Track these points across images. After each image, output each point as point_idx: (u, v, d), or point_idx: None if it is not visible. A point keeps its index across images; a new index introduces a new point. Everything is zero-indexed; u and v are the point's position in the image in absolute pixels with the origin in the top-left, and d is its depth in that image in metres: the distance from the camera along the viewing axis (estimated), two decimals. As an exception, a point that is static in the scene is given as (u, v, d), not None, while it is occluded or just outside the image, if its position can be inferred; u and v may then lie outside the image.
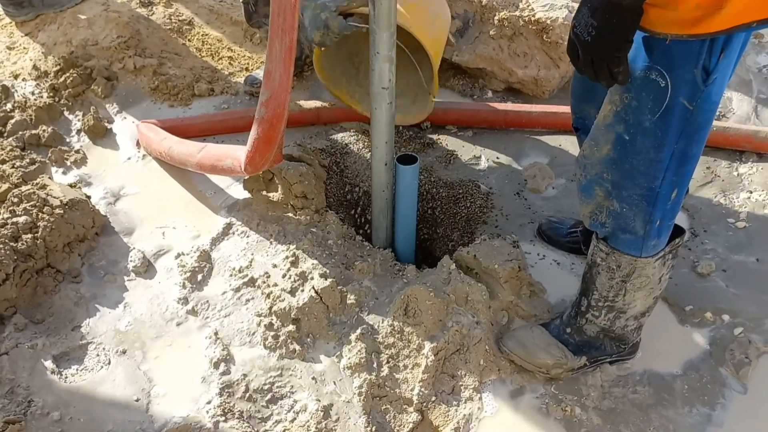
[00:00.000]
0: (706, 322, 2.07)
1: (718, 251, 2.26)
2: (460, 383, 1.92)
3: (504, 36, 2.89)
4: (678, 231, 1.76)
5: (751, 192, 2.46)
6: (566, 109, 2.17)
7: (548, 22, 2.83)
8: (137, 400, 1.91)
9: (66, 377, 1.96)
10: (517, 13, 2.86)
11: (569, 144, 2.65)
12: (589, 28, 1.31)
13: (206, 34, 3.18)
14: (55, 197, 2.25)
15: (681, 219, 2.37)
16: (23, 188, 2.29)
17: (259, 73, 2.91)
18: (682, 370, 1.97)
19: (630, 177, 1.57)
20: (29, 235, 2.16)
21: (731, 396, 1.91)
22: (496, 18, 2.87)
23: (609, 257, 1.74)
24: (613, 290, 1.79)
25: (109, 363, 2.00)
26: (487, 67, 2.94)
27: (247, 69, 3.04)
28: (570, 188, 2.48)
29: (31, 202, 2.22)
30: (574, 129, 2.00)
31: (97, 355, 2.02)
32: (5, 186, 2.33)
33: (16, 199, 2.23)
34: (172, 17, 3.18)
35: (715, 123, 2.63)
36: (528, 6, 2.87)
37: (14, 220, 2.17)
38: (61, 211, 2.22)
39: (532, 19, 2.84)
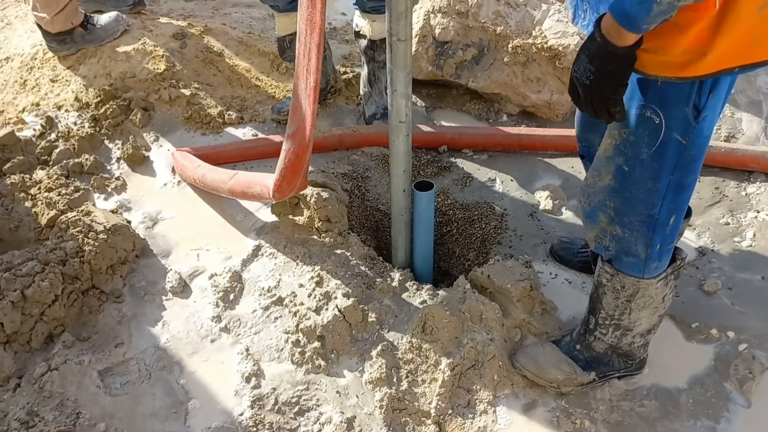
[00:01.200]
0: (712, 339, 2.17)
1: (725, 269, 2.35)
2: (476, 397, 2.04)
3: (518, 63, 3.02)
4: (680, 253, 1.87)
5: (758, 211, 2.54)
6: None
7: (560, 48, 2.95)
8: (175, 412, 2.07)
9: (110, 391, 2.12)
10: (530, 40, 2.99)
11: (581, 166, 2.75)
12: (587, 73, 1.44)
13: (236, 65, 3.36)
14: (98, 223, 2.43)
15: (689, 237, 2.46)
16: (69, 215, 2.47)
17: (285, 103, 3.09)
18: (687, 384, 2.07)
19: (630, 204, 1.68)
20: (76, 259, 2.33)
21: (735, 410, 2.00)
22: (510, 45, 3.00)
23: (614, 278, 1.85)
24: (619, 309, 1.90)
25: (150, 377, 2.15)
26: (502, 92, 3.07)
27: (274, 97, 3.21)
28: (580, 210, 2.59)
29: (77, 228, 2.40)
30: (580, 156, 2.12)
31: (139, 370, 2.18)
32: (53, 213, 2.52)
33: (63, 226, 2.42)
34: (204, 50, 3.37)
35: (723, 144, 2.72)
36: (541, 33, 3.00)
37: (62, 245, 2.35)
38: (105, 236, 2.39)
39: (545, 46, 2.97)
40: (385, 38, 2.87)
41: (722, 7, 1.31)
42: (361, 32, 2.93)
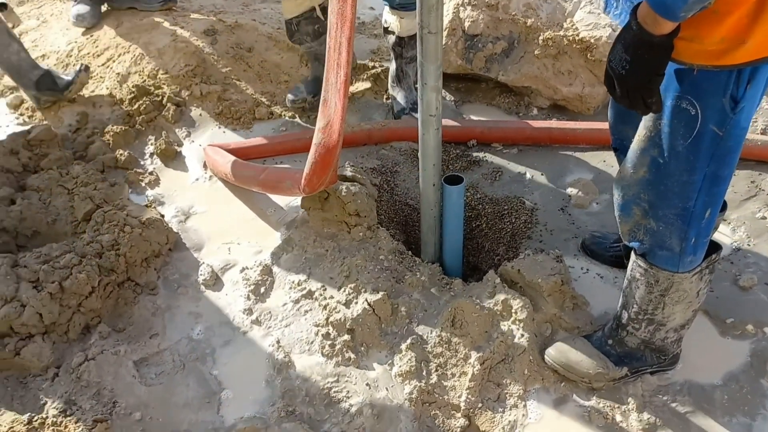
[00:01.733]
0: (748, 335, 2.13)
1: (761, 264, 2.31)
2: (506, 391, 2.04)
3: (549, 55, 3.00)
4: (715, 247, 1.84)
5: (796, 206, 2.49)
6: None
7: (592, 41, 2.92)
8: (208, 402, 2.10)
9: (145, 380, 2.17)
10: (561, 32, 2.96)
11: (613, 160, 2.73)
12: (623, 63, 1.42)
13: (265, 60, 3.39)
14: (134, 217, 2.48)
15: (724, 231, 2.42)
16: (105, 209, 2.52)
17: (298, 89, 3.12)
18: (722, 381, 2.03)
19: (665, 198, 1.66)
20: (112, 252, 2.38)
21: (772, 407, 1.96)
22: (541, 38, 2.98)
23: (647, 273, 1.83)
24: (652, 304, 1.87)
25: (184, 368, 2.19)
26: (533, 85, 3.05)
27: (303, 93, 3.23)
28: (613, 204, 2.56)
29: (113, 222, 2.45)
30: (613, 149, 2.09)
31: (173, 360, 2.22)
32: (89, 206, 2.58)
33: (99, 219, 2.47)
34: (234, 45, 3.40)
35: (760, 137, 2.67)
36: (572, 26, 2.96)
37: (98, 238, 2.41)
38: (140, 230, 2.44)
39: (576, 38, 2.94)
40: (413, 35, 2.88)
41: None
42: (389, 28, 2.93)
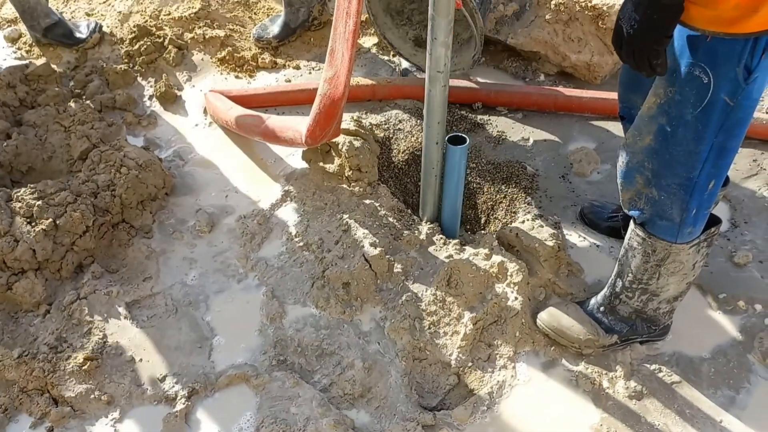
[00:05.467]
0: (739, 310, 2.15)
1: (757, 243, 2.31)
2: (496, 352, 2.06)
3: (559, 21, 2.94)
4: (714, 220, 1.84)
5: (796, 186, 2.48)
6: (614, 95, 2.24)
7: (604, 8, 2.87)
8: (200, 347, 2.11)
9: (137, 322, 2.17)
10: (574, -2, 2.90)
11: (617, 130, 2.71)
12: (632, 22, 1.41)
13: (271, 8, 3.32)
14: (131, 158, 2.45)
15: (722, 209, 2.42)
16: (102, 148, 2.49)
17: (263, 27, 3.12)
18: (710, 354, 2.06)
19: (669, 167, 1.65)
20: (107, 192, 2.36)
21: (756, 381, 1.99)
22: (553, 3, 2.92)
23: (645, 242, 1.82)
24: (648, 273, 1.88)
25: (176, 312, 2.19)
26: (541, 50, 3.00)
27: (308, 42, 3.18)
28: (614, 174, 2.55)
29: (110, 162, 2.42)
30: (620, 117, 2.07)
31: (165, 304, 2.22)
32: (86, 145, 2.54)
33: (96, 158, 2.44)
34: (240, -9, 3.32)
35: (765, 116, 2.65)
36: (585, -9, 2.91)
37: (94, 177, 2.38)
38: (136, 171, 2.41)
39: (589, 5, 2.88)
40: None
41: None
42: None
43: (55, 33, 3.07)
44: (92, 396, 1.98)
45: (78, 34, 3.08)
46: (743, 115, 1.53)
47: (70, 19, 3.20)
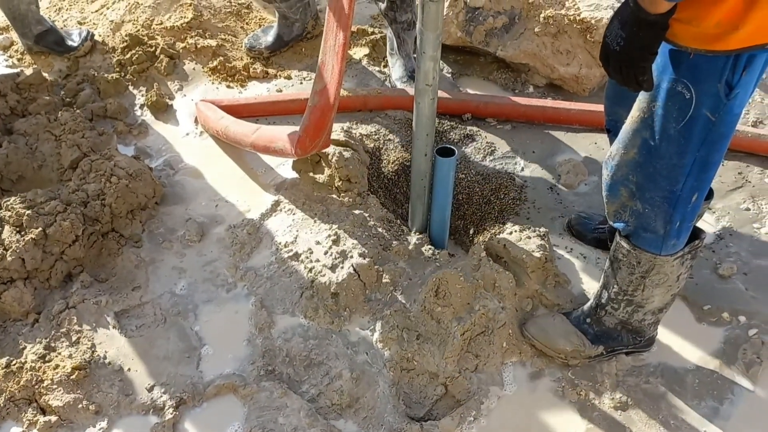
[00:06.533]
0: (723, 322, 2.17)
1: (741, 255, 2.34)
2: (483, 362, 2.07)
3: (548, 33, 2.98)
4: (698, 233, 1.86)
5: (780, 199, 2.52)
6: (602, 107, 2.27)
7: (593, 21, 2.90)
8: (188, 357, 2.11)
9: (126, 332, 2.17)
10: (563, 11, 2.94)
11: (604, 142, 2.74)
12: (618, 39, 1.43)
13: (263, 18, 3.34)
14: (121, 168, 2.45)
15: (708, 221, 2.45)
16: (93, 158, 2.49)
17: (256, 38, 3.15)
18: (695, 365, 2.08)
19: (653, 180, 1.67)
20: (97, 202, 2.36)
21: (740, 392, 2.01)
22: (542, 15, 2.96)
23: (630, 254, 1.85)
24: (633, 285, 1.90)
25: (165, 321, 2.20)
26: (530, 62, 3.03)
27: (300, 53, 3.20)
28: (601, 186, 2.58)
29: (100, 171, 2.43)
30: (606, 130, 2.10)
31: (154, 314, 2.22)
32: (77, 154, 2.55)
33: (86, 168, 2.44)
34: (232, 0, 3.34)
35: (750, 129, 2.69)
36: (574, 5, 2.95)
37: (84, 187, 2.39)
38: (126, 181, 2.42)
39: (577, 18, 2.92)
40: None
41: None
42: None
43: (46, 40, 3.08)
44: (80, 405, 1.98)
45: (70, 42, 3.09)
46: (725, 130, 1.56)
47: (62, 28, 3.20)
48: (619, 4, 1.60)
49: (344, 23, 1.93)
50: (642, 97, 1.60)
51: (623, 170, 1.72)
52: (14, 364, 2.04)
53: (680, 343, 2.12)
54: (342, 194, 2.44)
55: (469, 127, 2.84)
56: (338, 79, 2.04)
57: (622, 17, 1.41)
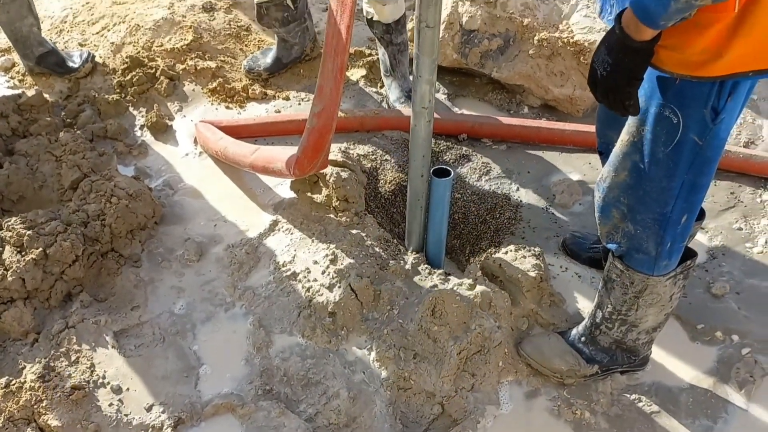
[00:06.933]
0: (716, 341, 2.19)
1: (734, 274, 2.37)
2: (480, 382, 2.09)
3: (542, 55, 3.03)
4: (690, 253, 1.89)
5: (772, 219, 2.55)
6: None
7: (586, 44, 2.96)
8: (187, 376, 2.13)
9: (125, 351, 2.19)
10: (557, 34, 2.99)
11: (598, 163, 2.77)
12: (605, 65, 1.48)
13: (262, 40, 3.39)
14: (121, 188, 2.48)
15: (700, 240, 2.48)
16: (93, 178, 2.52)
17: (255, 60, 3.20)
18: (688, 384, 2.10)
19: (644, 202, 1.71)
20: (97, 222, 2.39)
21: (733, 411, 2.03)
22: (536, 38, 3.01)
23: (623, 274, 1.88)
24: (626, 305, 1.93)
25: (164, 341, 2.21)
26: (525, 84, 3.08)
27: (298, 75, 3.24)
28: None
29: (100, 192, 2.46)
30: (599, 153, 2.14)
31: (153, 333, 2.24)
32: (77, 174, 2.58)
33: (87, 188, 2.47)
34: (232, 23, 3.40)
35: (742, 150, 2.73)
36: (567, 28, 3.00)
37: (85, 207, 2.41)
38: (126, 201, 2.45)
39: (571, 40, 2.97)
40: (399, 19, 2.91)
41: (742, 11, 1.33)
42: (373, 18, 2.94)
43: (47, 62, 3.12)
44: (79, 425, 1.99)
45: (70, 63, 3.14)
46: (711, 154, 1.60)
47: (63, 49, 3.25)
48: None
49: (342, 47, 1.97)
50: (631, 122, 1.64)
51: (614, 192, 1.76)
52: (13, 384, 2.06)
53: (674, 362, 2.15)
54: (339, 214, 2.47)
55: (465, 148, 2.88)
56: (336, 101, 2.07)
57: (608, 44, 1.45)
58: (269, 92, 3.14)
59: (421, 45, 1.85)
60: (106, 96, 3.04)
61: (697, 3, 1.25)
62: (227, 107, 3.08)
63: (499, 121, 2.96)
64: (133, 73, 3.12)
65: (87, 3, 3.54)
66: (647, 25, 1.35)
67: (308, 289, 2.26)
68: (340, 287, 2.21)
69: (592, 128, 2.83)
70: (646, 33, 1.37)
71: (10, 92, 3.06)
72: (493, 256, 2.34)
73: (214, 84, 3.12)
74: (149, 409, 2.05)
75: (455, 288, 2.18)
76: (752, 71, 1.40)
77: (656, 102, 1.54)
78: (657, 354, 2.13)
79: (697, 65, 1.42)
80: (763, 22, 1.34)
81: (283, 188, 2.69)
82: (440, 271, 2.30)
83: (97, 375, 2.12)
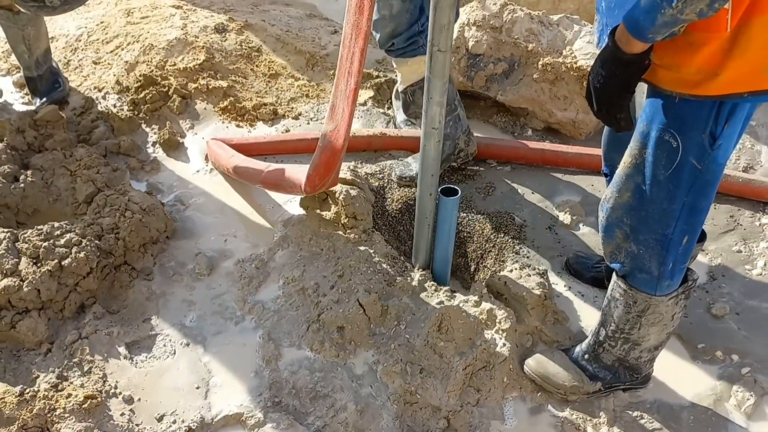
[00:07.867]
0: (717, 360, 2.24)
1: (734, 295, 2.42)
2: (485, 397, 2.13)
3: (546, 80, 3.11)
4: (692, 275, 1.95)
5: (770, 242, 2.61)
6: (599, 151, 2.38)
7: (588, 69, 3.03)
8: (197, 388, 2.17)
9: (137, 363, 2.23)
10: (560, 59, 3.08)
11: (600, 185, 2.84)
12: (598, 77, 1.57)
13: (272, 61, 3.47)
14: (135, 203, 2.54)
15: (701, 262, 2.54)
16: (108, 192, 2.58)
17: (407, 167, 2.85)
18: (690, 402, 2.14)
19: (646, 223, 1.77)
20: (111, 235, 2.44)
21: (734, 430, 2.07)
22: (540, 63, 3.09)
23: (626, 293, 1.93)
24: (629, 324, 1.97)
25: (175, 353, 2.26)
26: (529, 107, 3.16)
27: (307, 95, 3.32)
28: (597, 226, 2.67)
29: (115, 206, 2.51)
30: (604, 174, 2.20)
31: (164, 345, 2.28)
32: (91, 189, 2.63)
33: (101, 202, 2.53)
34: (243, 44, 3.48)
35: (741, 174, 2.80)
36: (571, 53, 3.08)
37: (99, 221, 2.47)
38: (140, 216, 2.50)
39: (574, 66, 3.05)
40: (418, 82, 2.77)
41: (735, 32, 1.40)
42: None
43: (29, 87, 3.17)
44: (90, 435, 2.03)
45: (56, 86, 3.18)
46: (710, 178, 1.66)
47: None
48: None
49: (356, 69, 2.04)
50: (634, 144, 1.71)
51: (618, 213, 1.82)
52: (27, 393, 2.09)
53: (675, 380, 2.19)
54: (348, 231, 2.52)
55: (470, 168, 2.94)
56: (348, 122, 2.14)
57: (602, 57, 1.55)
58: (279, 111, 3.21)
59: (432, 68, 1.92)
60: (120, 113, 3.11)
61: (682, 18, 1.33)
62: (238, 125, 3.15)
63: (504, 142, 3.03)
64: (147, 91, 3.19)
65: (102, 23, 3.63)
66: (637, 38, 1.44)
67: (317, 304, 2.30)
68: (348, 302, 2.26)
69: (595, 151, 2.91)
70: (636, 46, 1.46)
71: (25, 108, 3.13)
72: (498, 274, 2.39)
73: (225, 103, 3.19)
74: (160, 419, 2.08)
75: (461, 305, 2.23)
76: (748, 92, 1.47)
77: (657, 126, 1.61)
78: (659, 372, 2.18)
79: (694, 84, 1.49)
80: (757, 43, 1.41)
81: (292, 205, 2.74)
82: (446, 287, 2.35)
83: (110, 385, 2.16)
